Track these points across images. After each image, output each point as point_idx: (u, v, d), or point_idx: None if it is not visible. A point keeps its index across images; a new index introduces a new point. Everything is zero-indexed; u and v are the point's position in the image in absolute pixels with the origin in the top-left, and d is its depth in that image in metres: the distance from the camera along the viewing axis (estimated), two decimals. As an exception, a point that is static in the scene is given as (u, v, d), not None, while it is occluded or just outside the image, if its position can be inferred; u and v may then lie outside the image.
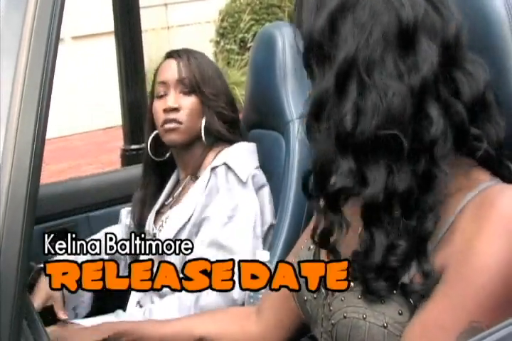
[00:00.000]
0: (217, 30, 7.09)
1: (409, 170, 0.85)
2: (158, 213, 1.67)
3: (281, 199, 1.61)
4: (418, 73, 0.84)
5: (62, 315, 1.52)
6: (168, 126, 1.60)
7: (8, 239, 0.77)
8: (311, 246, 1.03)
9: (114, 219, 1.80)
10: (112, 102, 5.05)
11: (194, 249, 1.35)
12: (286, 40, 1.65)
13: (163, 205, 1.69)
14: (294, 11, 1.79)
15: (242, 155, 1.61)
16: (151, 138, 1.66)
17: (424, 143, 0.85)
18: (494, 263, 0.80)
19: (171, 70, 1.62)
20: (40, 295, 1.50)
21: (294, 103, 1.65)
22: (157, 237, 1.60)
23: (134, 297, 1.63)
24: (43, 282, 1.53)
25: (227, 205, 1.51)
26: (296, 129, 1.62)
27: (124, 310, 1.67)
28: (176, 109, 1.60)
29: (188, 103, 1.61)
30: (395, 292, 0.86)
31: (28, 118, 0.81)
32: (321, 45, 0.88)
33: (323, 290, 0.97)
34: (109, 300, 1.70)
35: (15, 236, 0.78)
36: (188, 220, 1.54)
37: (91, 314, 1.71)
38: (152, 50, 5.78)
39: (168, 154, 1.69)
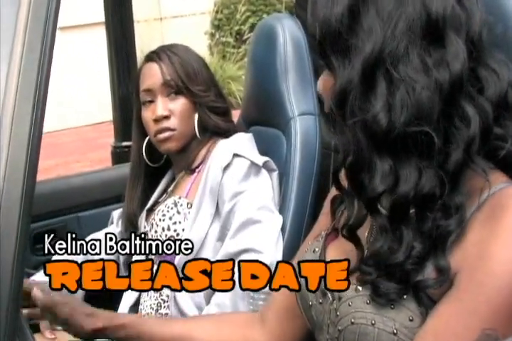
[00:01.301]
0: (213, 22, 7.09)
1: (436, 170, 0.85)
2: (150, 210, 1.67)
3: (283, 198, 1.61)
4: (448, 69, 0.84)
5: (48, 334, 1.52)
6: (161, 135, 1.59)
7: (2, 244, 0.77)
8: (316, 249, 1.03)
9: (105, 220, 1.80)
10: (100, 97, 5.05)
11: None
12: (287, 33, 1.64)
13: (155, 202, 1.69)
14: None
15: (247, 143, 1.61)
16: (144, 145, 1.65)
17: (459, 141, 0.85)
18: (509, 268, 0.80)
19: (154, 75, 1.60)
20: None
21: (295, 99, 1.64)
22: (148, 235, 1.60)
23: (127, 301, 1.63)
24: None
25: (252, 192, 1.52)
26: (298, 126, 1.62)
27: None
28: (166, 117, 1.59)
29: (178, 106, 1.59)
30: (405, 297, 0.86)
31: (24, 113, 0.81)
32: (339, 33, 0.87)
33: (329, 295, 0.97)
34: (99, 307, 1.69)
35: (9, 241, 0.77)
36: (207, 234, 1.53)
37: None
38: (144, 42, 5.76)
39: (164, 157, 1.70)
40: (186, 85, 1.58)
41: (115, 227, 1.74)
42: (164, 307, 1.55)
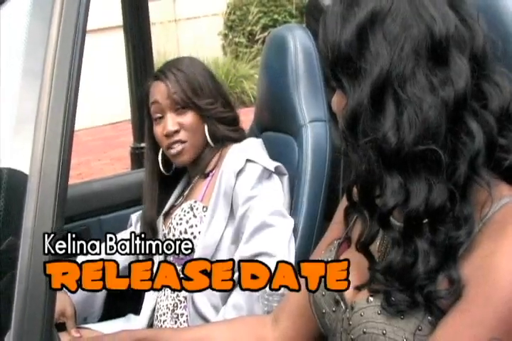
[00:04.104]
0: (226, 23, 7.07)
1: (445, 184, 0.85)
2: (167, 214, 1.68)
3: (295, 202, 1.61)
4: (452, 87, 0.84)
5: (74, 332, 1.54)
6: (174, 150, 1.61)
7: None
8: (329, 259, 1.03)
9: (126, 222, 1.80)
10: (118, 97, 5.06)
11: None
12: (298, 43, 1.65)
13: (171, 206, 1.70)
14: (310, 17, 1.75)
15: (258, 148, 1.62)
16: (160, 155, 1.67)
17: (466, 155, 0.85)
18: None
19: (161, 93, 1.62)
20: None
21: (306, 107, 1.65)
22: (167, 237, 1.61)
23: (149, 302, 1.64)
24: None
25: (266, 196, 1.53)
26: (309, 133, 1.62)
27: (137, 314, 1.67)
28: (176, 131, 1.60)
29: (187, 120, 1.61)
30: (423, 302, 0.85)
31: (57, 118, 0.86)
32: (349, 58, 0.87)
33: (342, 304, 0.97)
34: (120, 304, 1.71)
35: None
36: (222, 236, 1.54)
37: (102, 318, 1.72)
38: (160, 44, 5.76)
39: (174, 166, 1.71)
40: (192, 101, 1.60)
41: (133, 229, 1.75)
42: (180, 307, 1.56)
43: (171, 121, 1.60)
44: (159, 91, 1.62)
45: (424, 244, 0.85)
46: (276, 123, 1.73)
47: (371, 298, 0.91)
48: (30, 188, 0.86)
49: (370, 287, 0.92)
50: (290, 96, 1.65)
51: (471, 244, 0.85)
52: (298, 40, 1.65)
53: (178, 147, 1.61)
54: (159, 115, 1.62)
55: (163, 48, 5.94)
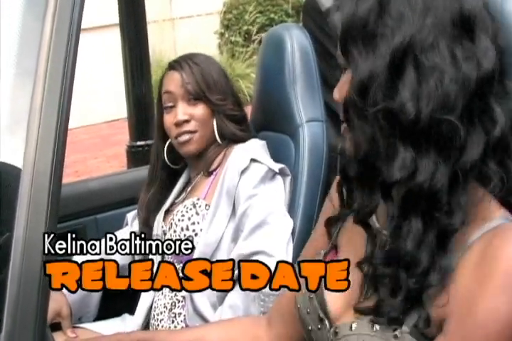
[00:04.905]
0: (222, 22, 7.05)
1: (451, 168, 0.82)
2: (168, 211, 1.67)
3: (291, 202, 1.59)
4: (477, 65, 0.82)
5: (70, 333, 1.52)
6: (182, 138, 1.61)
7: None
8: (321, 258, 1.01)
9: (122, 221, 1.79)
10: (115, 96, 5.04)
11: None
12: (295, 43, 1.63)
13: (172, 203, 1.68)
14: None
15: (262, 149, 1.61)
16: (166, 148, 1.66)
17: (480, 139, 0.82)
18: (496, 317, 0.78)
19: (175, 82, 1.61)
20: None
21: (303, 107, 1.63)
22: (167, 235, 1.60)
23: (145, 301, 1.62)
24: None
25: (266, 197, 1.52)
26: (306, 133, 1.61)
27: (132, 314, 1.65)
28: (186, 121, 1.60)
29: (198, 112, 1.60)
30: (399, 335, 0.83)
31: (50, 114, 0.85)
32: (366, 24, 0.84)
33: (326, 322, 0.95)
34: (115, 304, 1.70)
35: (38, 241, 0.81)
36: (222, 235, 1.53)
37: (97, 317, 1.70)
38: (156, 42, 5.74)
39: (183, 159, 1.70)
40: (205, 93, 1.59)
41: (130, 228, 1.74)
42: (178, 307, 1.55)
43: (182, 111, 1.60)
44: (173, 81, 1.62)
45: (419, 223, 0.83)
46: (273, 123, 1.72)
47: (354, 325, 0.89)
48: (23, 186, 0.84)
49: (357, 307, 0.89)
50: (287, 96, 1.64)
51: (456, 270, 0.82)
52: (295, 40, 1.64)
53: (186, 136, 1.60)
54: (171, 104, 1.62)
55: (159, 47, 5.92)
